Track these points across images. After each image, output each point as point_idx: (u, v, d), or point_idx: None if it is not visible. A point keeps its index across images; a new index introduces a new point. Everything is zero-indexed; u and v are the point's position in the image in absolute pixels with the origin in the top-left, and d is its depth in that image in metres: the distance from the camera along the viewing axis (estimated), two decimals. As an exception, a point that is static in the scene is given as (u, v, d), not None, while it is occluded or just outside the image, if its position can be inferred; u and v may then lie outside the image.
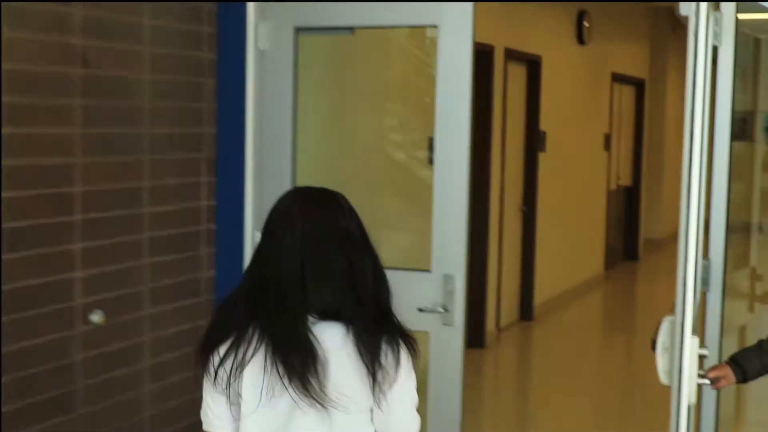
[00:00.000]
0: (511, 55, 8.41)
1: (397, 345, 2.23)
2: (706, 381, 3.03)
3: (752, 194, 4.53)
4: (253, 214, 4.28)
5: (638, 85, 13.07)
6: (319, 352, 2.17)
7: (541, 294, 9.44)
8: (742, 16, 3.53)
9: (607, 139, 11.58)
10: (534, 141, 9.20)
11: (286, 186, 4.14)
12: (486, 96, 7.83)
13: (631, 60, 12.62)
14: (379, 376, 2.20)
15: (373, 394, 2.21)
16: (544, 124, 9.29)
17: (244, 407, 2.24)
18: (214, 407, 2.30)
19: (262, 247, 2.28)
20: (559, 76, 9.69)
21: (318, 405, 2.18)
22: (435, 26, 4.00)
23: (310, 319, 2.21)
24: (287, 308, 2.19)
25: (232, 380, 2.22)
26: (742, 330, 4.23)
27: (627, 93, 12.69)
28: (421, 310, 3.93)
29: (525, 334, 9.11)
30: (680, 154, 2.83)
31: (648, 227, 13.45)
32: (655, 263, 13.15)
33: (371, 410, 2.26)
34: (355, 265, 2.22)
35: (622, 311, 10.87)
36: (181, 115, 4.13)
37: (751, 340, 3.24)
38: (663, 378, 2.97)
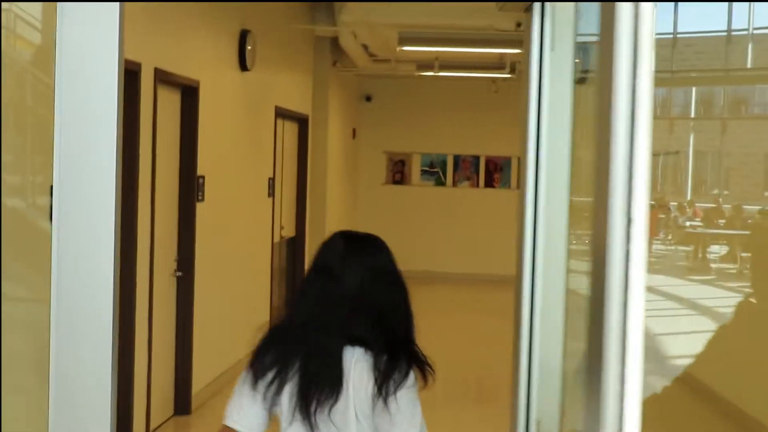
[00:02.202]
0: (163, 77, 6.53)
1: (410, 366, 2.63)
2: None
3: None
4: None
5: (302, 122, 11.58)
6: (342, 384, 2.61)
7: (200, 378, 7.59)
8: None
9: (271, 183, 9.94)
10: (190, 188, 7.30)
11: None
12: (131, 129, 5.90)
13: (295, 93, 11.10)
14: (387, 387, 2.57)
15: (378, 402, 2.58)
16: (203, 167, 7.46)
17: (283, 421, 2.67)
18: (247, 410, 2.70)
19: (317, 283, 2.73)
20: (220, 107, 7.94)
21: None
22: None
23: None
24: (330, 338, 2.63)
25: (276, 398, 2.66)
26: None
27: (290, 131, 11.14)
28: None
29: (180, 434, 7.19)
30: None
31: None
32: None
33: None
34: (395, 302, 2.69)
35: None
36: None
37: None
38: None
